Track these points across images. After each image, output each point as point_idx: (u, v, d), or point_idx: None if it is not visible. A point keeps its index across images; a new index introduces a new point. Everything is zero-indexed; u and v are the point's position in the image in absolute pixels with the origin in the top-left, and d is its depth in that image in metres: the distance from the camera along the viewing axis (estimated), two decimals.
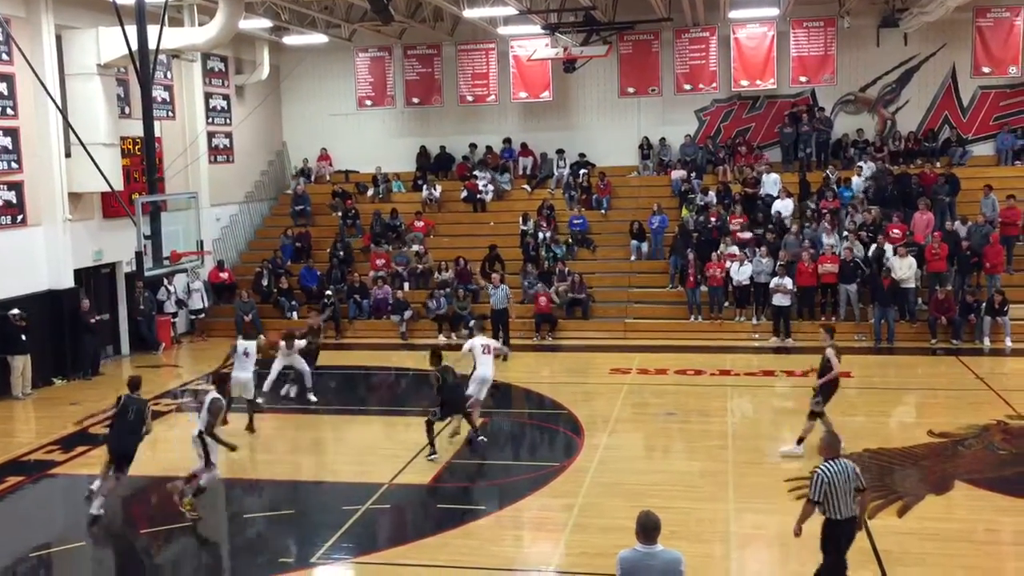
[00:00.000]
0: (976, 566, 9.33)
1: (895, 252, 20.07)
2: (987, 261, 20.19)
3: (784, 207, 22.62)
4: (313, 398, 16.04)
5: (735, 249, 21.28)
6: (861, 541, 9.72)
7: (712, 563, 9.47)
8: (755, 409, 15.81)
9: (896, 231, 21.04)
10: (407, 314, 21.74)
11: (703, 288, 21.27)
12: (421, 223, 24.72)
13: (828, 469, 7.91)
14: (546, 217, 24.01)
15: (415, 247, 24.01)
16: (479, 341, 14.34)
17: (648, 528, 6.35)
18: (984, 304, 19.37)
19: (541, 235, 23.46)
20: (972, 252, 20.28)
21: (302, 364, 16.01)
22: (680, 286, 21.70)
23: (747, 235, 21.88)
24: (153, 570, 10.16)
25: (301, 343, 16.10)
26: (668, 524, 6.81)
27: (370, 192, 26.43)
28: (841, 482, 7.86)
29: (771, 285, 20.18)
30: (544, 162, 26.17)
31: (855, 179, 23.09)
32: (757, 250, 21.21)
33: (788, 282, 20.07)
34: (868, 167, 23.27)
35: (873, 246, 20.56)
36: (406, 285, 22.95)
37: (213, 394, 11.26)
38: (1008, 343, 18.98)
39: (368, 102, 26.76)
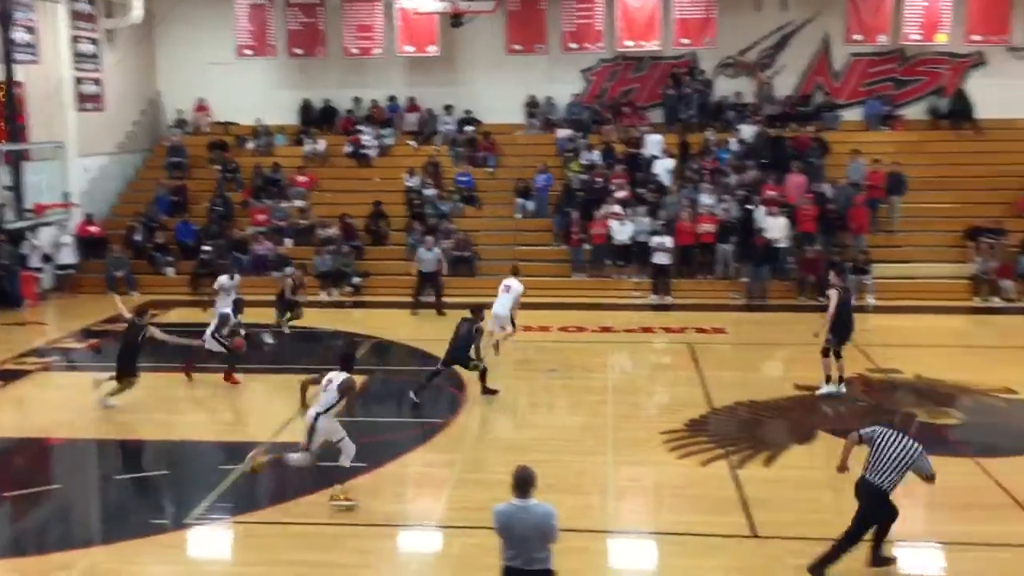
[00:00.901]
0: (836, 509, 9.83)
1: (768, 212, 20.78)
2: (852, 222, 21.13)
3: (665, 167, 23.08)
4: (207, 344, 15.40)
5: (617, 208, 21.64)
6: (728, 490, 10.19)
7: (590, 513, 9.71)
8: (634, 365, 16.22)
9: (770, 192, 21.76)
10: (288, 270, 21.29)
11: (586, 246, 21.58)
12: (304, 178, 24.20)
13: (884, 431, 8.17)
14: (432, 174, 23.84)
15: (297, 202, 23.50)
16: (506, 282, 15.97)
17: (521, 483, 6.48)
18: (850, 263, 20.32)
19: (427, 192, 23.30)
20: (838, 213, 21.18)
21: (228, 306, 15.58)
22: (564, 244, 21.96)
23: (623, 194, 22.19)
24: (19, 534, 9.77)
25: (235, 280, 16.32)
26: (547, 477, 6.98)
27: (250, 145, 25.68)
28: (886, 447, 8.02)
29: (651, 244, 20.63)
30: (430, 118, 25.91)
31: (732, 141, 23.73)
32: (638, 209, 21.62)
33: (668, 241, 20.55)
34: (745, 129, 23.94)
35: (748, 206, 21.24)
36: (288, 241, 22.47)
37: (345, 375, 10.03)
38: (870, 300, 19.99)
39: (248, 51, 25.85)
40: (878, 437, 8.20)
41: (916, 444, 8.06)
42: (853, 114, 25.15)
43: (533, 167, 23.64)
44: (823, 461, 11.19)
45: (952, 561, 8.84)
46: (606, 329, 18.09)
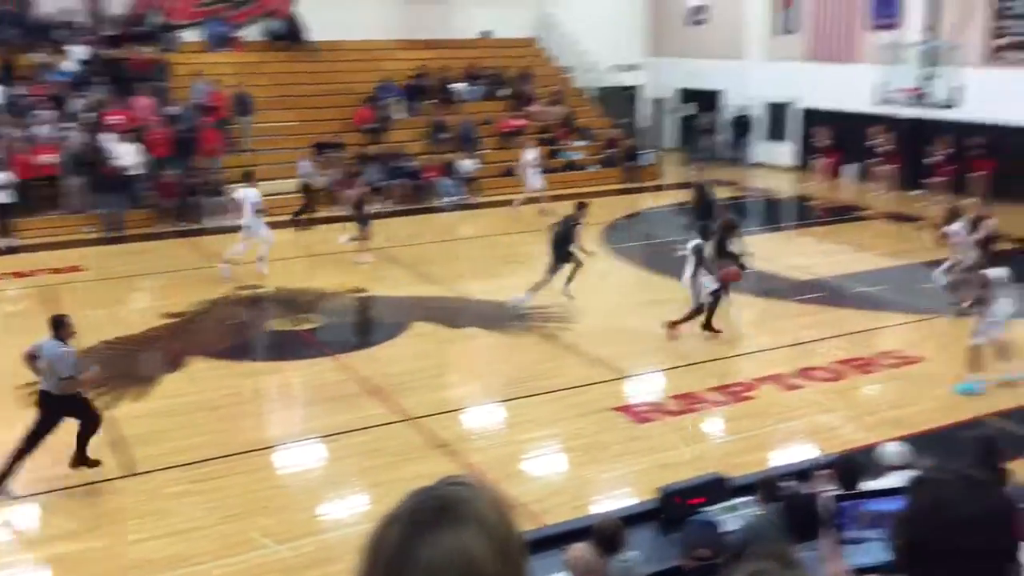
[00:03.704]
0: (215, 430, 10.02)
1: (116, 138, 19.78)
2: (204, 144, 21.12)
3: None
4: None
5: None
6: (108, 434, 9.71)
7: None
8: None
9: (116, 117, 20.65)
10: None
11: None
12: None
13: None
14: None
15: None
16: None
17: None
18: (205, 185, 20.35)
19: None
20: (188, 136, 20.99)
21: None
22: None
23: None
24: None
25: None
26: None
27: None
28: None
29: None
30: None
31: (66, 63, 21.89)
32: None
33: (9, 176, 18.36)
34: (79, 51, 22.22)
35: (93, 133, 19.95)
36: None
37: None
38: (229, 222, 20.30)
39: None
40: None
41: None
42: (194, 35, 24.84)
43: None
44: (197, 385, 11.26)
45: (329, 451, 9.57)
46: None
